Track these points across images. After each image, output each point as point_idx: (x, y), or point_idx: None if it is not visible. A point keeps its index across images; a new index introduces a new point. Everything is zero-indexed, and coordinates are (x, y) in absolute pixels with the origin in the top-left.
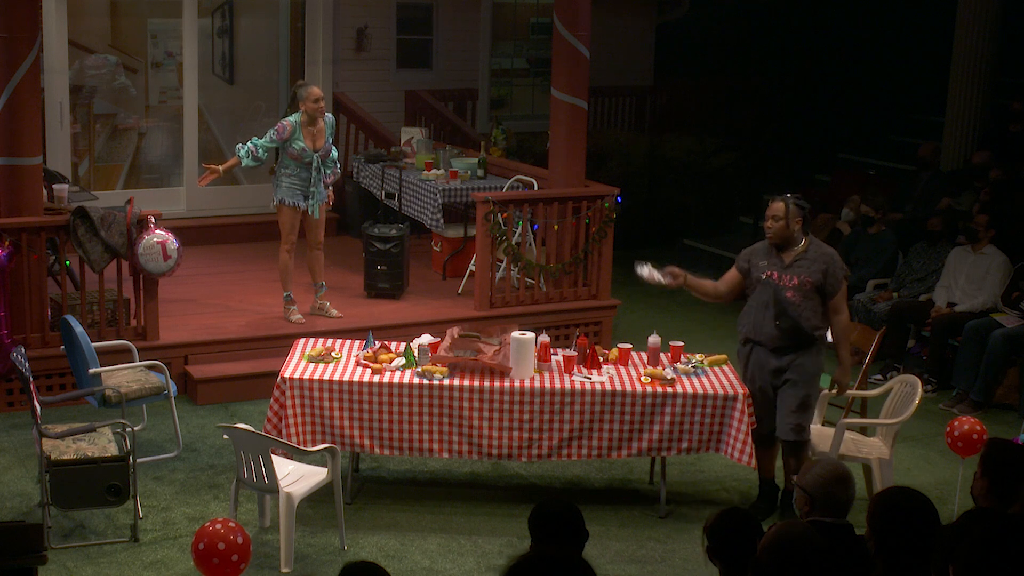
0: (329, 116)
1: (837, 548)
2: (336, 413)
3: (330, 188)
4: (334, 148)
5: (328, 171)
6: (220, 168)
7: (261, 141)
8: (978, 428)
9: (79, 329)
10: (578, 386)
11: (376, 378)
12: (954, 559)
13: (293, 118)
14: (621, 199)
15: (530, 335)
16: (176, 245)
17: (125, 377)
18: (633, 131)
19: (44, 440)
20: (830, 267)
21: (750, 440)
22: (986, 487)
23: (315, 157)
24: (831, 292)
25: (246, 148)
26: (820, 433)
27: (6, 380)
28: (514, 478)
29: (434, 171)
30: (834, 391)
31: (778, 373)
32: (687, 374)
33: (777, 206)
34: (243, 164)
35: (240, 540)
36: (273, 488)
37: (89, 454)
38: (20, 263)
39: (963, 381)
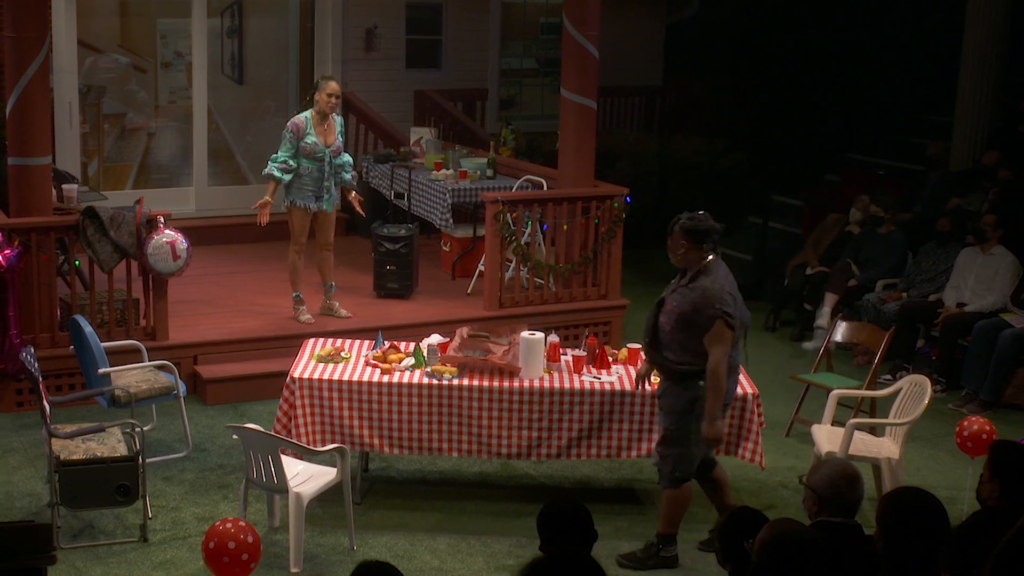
0: (338, 117)
1: (845, 548)
2: (345, 413)
3: (354, 191)
4: (347, 154)
5: (347, 174)
6: (268, 198)
7: (282, 152)
8: (987, 428)
9: (88, 329)
10: (587, 386)
11: (385, 378)
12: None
13: (304, 114)
14: (630, 199)
15: (539, 335)
16: (185, 245)
17: (134, 377)
18: (642, 131)
19: (53, 440)
20: (700, 303)
21: (760, 440)
22: (997, 489)
23: (327, 153)
24: (703, 329)
25: (275, 167)
26: (830, 433)
27: (16, 380)
28: (523, 478)
29: (443, 171)
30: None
31: (657, 398)
32: None
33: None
34: (283, 181)
35: (250, 539)
36: (282, 488)
37: (98, 454)
38: (29, 263)
39: (972, 381)
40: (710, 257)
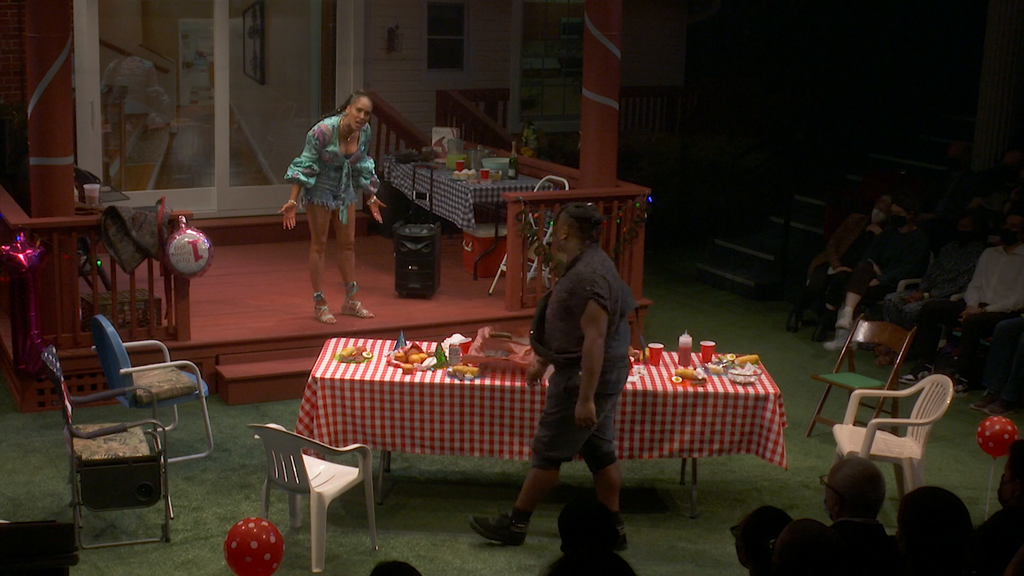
0: (366, 125)
1: (867, 548)
2: (367, 413)
3: (374, 199)
4: (370, 159)
5: (366, 180)
6: (293, 202)
7: (307, 157)
8: (1009, 428)
9: (110, 329)
10: None
11: (407, 378)
12: None
13: (332, 121)
14: (652, 199)
15: None
16: (207, 245)
17: (156, 377)
18: (664, 131)
19: (75, 440)
20: (576, 287)
21: (782, 440)
22: (1019, 489)
23: (346, 163)
24: (579, 313)
25: (299, 171)
26: (852, 433)
27: (37, 380)
28: None
29: (465, 171)
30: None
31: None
32: (718, 374)
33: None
34: (308, 185)
35: (273, 539)
36: (304, 488)
37: (120, 454)
38: (51, 263)
39: (994, 381)
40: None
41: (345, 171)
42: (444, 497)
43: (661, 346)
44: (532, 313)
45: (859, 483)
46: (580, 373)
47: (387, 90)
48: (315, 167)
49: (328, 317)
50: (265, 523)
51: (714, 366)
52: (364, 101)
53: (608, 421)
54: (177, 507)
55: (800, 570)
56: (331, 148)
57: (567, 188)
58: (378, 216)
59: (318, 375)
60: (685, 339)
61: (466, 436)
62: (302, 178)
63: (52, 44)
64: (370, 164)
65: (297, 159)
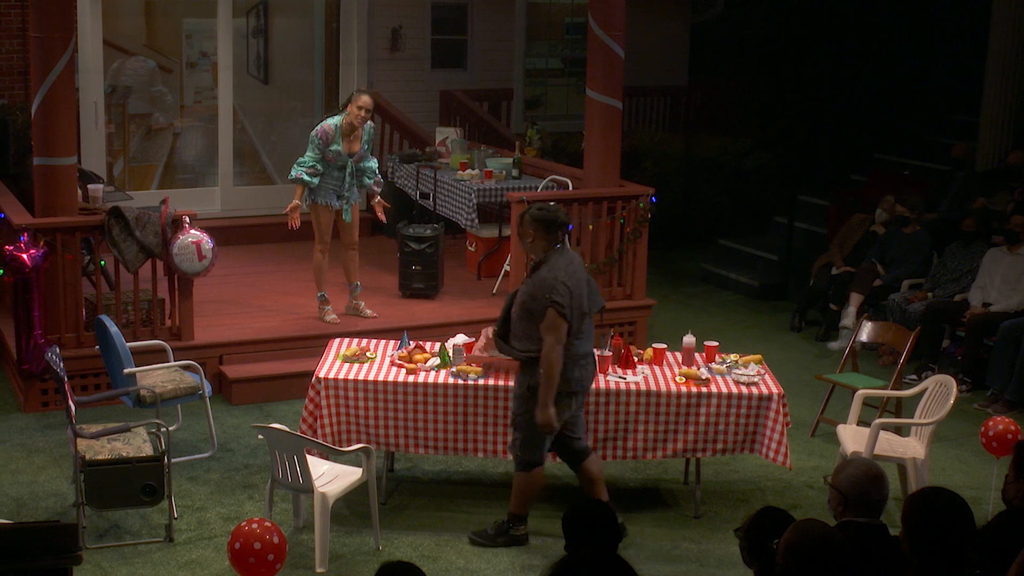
0: (368, 124)
1: (871, 549)
2: (371, 413)
3: (378, 199)
4: (374, 159)
5: (369, 180)
6: (298, 202)
7: (310, 156)
8: (1012, 428)
9: (114, 329)
10: (613, 386)
11: (411, 378)
12: None
13: (334, 121)
14: (656, 199)
15: None
16: (211, 245)
17: (160, 377)
18: (668, 131)
19: (79, 440)
20: (536, 291)
21: (785, 440)
22: (1023, 489)
23: (349, 162)
24: (539, 317)
25: (302, 171)
26: (855, 433)
27: (41, 380)
28: (549, 478)
29: (469, 171)
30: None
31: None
32: (722, 374)
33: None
34: (312, 185)
35: (276, 540)
36: (308, 488)
37: (124, 454)
38: (55, 263)
39: (998, 381)
40: (558, 247)
41: (349, 170)
42: (448, 497)
43: (665, 346)
44: None
45: (863, 483)
46: (540, 373)
47: (391, 90)
48: (319, 167)
49: (332, 317)
50: (268, 523)
51: (718, 366)
52: (365, 99)
53: (578, 419)
54: (181, 507)
55: (804, 570)
56: (334, 147)
57: (571, 188)
58: (382, 216)
59: (322, 375)
60: (689, 339)
61: (470, 436)
62: (306, 178)
63: (56, 44)
64: (374, 164)
65: (300, 159)
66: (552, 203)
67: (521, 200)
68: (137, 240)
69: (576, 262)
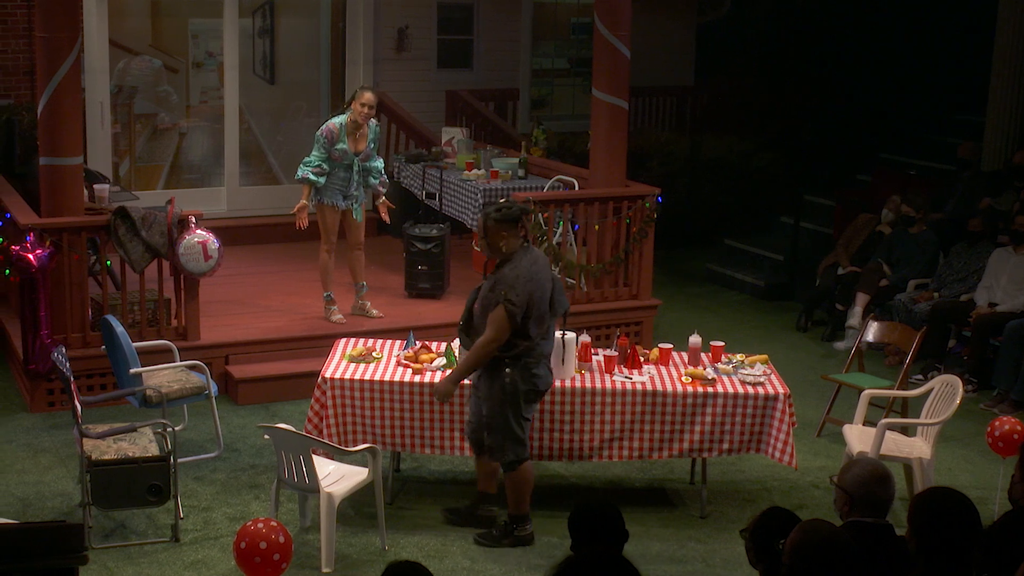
0: (373, 122)
1: (877, 549)
2: (377, 413)
3: (384, 199)
4: (380, 159)
5: (375, 179)
6: (305, 202)
7: (316, 156)
8: (1019, 428)
9: (120, 329)
10: (619, 386)
11: (417, 378)
12: None
13: (339, 119)
14: (662, 199)
15: (571, 335)
16: (217, 245)
17: (166, 377)
18: (674, 131)
19: (85, 440)
20: (495, 286)
21: (791, 440)
22: None
23: (355, 160)
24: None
25: (308, 170)
26: (861, 433)
27: (47, 380)
28: (554, 478)
29: (475, 171)
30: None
31: (474, 387)
32: (728, 374)
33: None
34: (318, 184)
35: (282, 539)
36: (314, 488)
37: (130, 454)
38: (61, 263)
39: (1004, 381)
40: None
41: (356, 169)
42: (454, 498)
43: (671, 346)
44: None
45: (869, 483)
46: (508, 371)
47: (396, 90)
48: (325, 166)
49: (338, 317)
50: (274, 523)
51: (724, 366)
52: (367, 96)
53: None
54: (187, 507)
55: (810, 571)
56: (340, 146)
57: (577, 188)
58: (386, 216)
59: (328, 375)
60: (695, 339)
61: None
62: (312, 177)
63: (62, 44)
64: (379, 164)
65: (306, 159)
66: (503, 199)
67: (527, 200)
68: (143, 240)
69: (541, 262)
